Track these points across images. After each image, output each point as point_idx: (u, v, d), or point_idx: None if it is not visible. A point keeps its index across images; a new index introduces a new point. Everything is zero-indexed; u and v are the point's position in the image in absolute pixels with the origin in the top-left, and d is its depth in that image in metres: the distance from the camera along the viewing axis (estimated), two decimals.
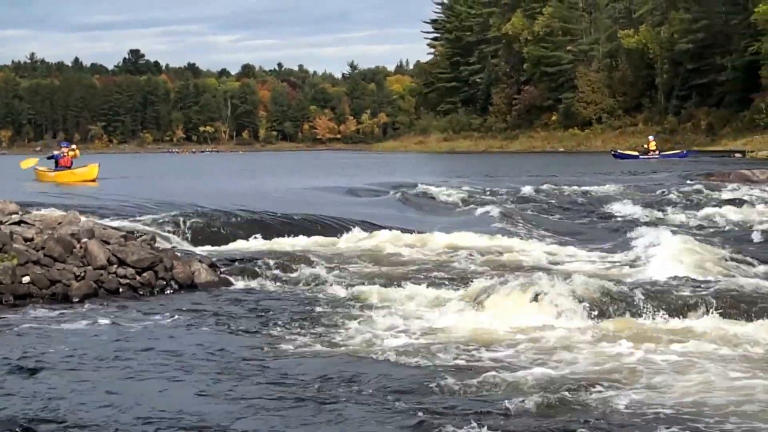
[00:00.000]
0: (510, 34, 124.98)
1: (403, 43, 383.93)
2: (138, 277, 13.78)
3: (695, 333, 10.59)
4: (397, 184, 32.87)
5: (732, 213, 23.67)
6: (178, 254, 15.07)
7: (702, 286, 12.35)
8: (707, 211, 24.42)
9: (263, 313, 12.02)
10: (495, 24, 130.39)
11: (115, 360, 9.59)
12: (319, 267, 15.21)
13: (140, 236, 15.30)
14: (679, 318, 11.20)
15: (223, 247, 17.97)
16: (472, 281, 13.44)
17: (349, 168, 62.97)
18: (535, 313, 11.43)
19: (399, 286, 13.48)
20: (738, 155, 65.13)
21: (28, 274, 13.15)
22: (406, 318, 11.44)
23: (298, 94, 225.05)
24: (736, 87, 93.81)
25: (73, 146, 43.16)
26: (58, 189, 33.39)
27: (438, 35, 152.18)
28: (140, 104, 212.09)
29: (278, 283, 14.35)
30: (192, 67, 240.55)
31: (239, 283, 14.38)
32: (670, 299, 11.74)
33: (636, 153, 68.16)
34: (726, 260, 16.15)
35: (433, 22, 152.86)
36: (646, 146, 67.87)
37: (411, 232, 19.19)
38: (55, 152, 41.73)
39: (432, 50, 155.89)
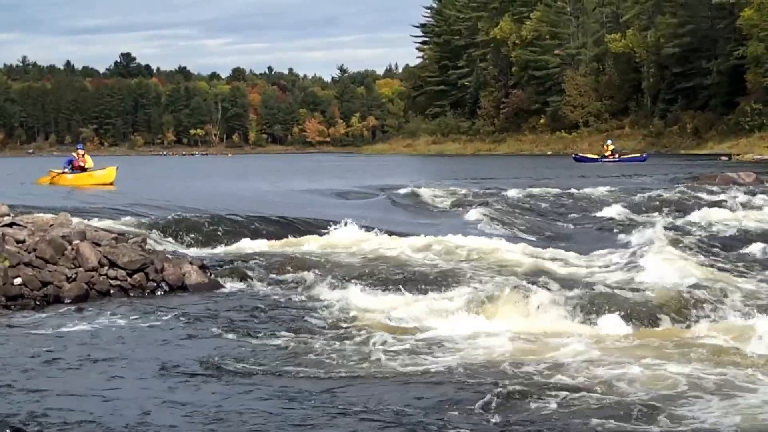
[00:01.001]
0: (498, 38, 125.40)
1: (392, 46, 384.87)
2: (129, 279, 13.81)
3: (678, 338, 10.70)
4: (386, 186, 32.79)
5: (718, 215, 23.69)
6: (169, 256, 15.06)
7: (690, 289, 12.45)
8: (693, 213, 24.41)
9: (253, 316, 12.04)
10: (483, 28, 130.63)
11: (106, 362, 9.62)
12: (309, 269, 15.19)
13: (131, 238, 15.30)
14: (654, 324, 11.27)
15: (213, 249, 17.97)
16: (463, 285, 13.54)
17: (338, 170, 62.81)
18: (528, 319, 11.47)
19: (388, 288, 13.53)
20: (724, 158, 65.31)
21: (19, 276, 13.14)
22: (396, 322, 11.47)
23: (288, 98, 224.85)
24: (721, 91, 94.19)
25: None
26: (75, 192, 32.62)
27: (427, 39, 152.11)
28: (131, 107, 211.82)
29: (268, 286, 14.36)
30: (183, 71, 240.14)
31: (229, 285, 14.38)
32: (659, 303, 11.84)
33: (595, 156, 68.88)
34: (712, 263, 16.28)
35: (422, 26, 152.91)
36: (605, 149, 68.54)
37: (399, 234, 19.19)
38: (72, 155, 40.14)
39: (421, 54, 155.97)
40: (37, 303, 12.97)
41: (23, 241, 13.88)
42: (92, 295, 13.45)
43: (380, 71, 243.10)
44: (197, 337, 10.87)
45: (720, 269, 15.58)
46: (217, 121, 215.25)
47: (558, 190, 30.87)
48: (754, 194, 28.90)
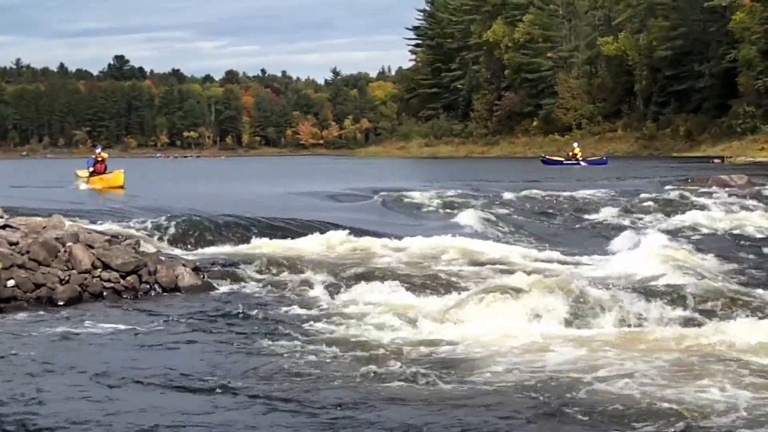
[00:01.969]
0: (491, 41, 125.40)
1: (386, 49, 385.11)
2: (122, 281, 13.80)
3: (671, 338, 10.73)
4: (379, 189, 32.72)
5: (710, 218, 23.75)
6: (162, 258, 15.07)
7: (682, 290, 12.51)
8: (686, 216, 24.46)
9: (246, 318, 12.03)
10: (476, 31, 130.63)
11: (98, 364, 9.60)
12: (301, 271, 15.20)
13: (124, 240, 15.31)
14: (646, 326, 11.31)
15: (206, 251, 17.95)
16: (458, 287, 13.61)
17: (331, 173, 62.72)
18: (521, 320, 11.48)
19: (381, 291, 13.52)
20: (717, 161, 65.40)
21: (12, 278, 13.16)
22: (389, 324, 11.49)
23: (281, 100, 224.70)
24: (713, 94, 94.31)
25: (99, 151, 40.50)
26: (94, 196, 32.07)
27: (420, 42, 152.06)
28: (125, 109, 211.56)
29: (261, 287, 14.35)
30: (176, 73, 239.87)
31: (223, 287, 14.39)
32: (650, 304, 11.91)
33: (561, 159, 69.71)
34: (704, 265, 16.32)
35: (415, 29, 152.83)
36: (571, 153, 69.18)
37: (393, 236, 19.19)
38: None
39: (414, 57, 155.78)
40: (31, 305, 12.93)
41: (16, 243, 13.87)
42: (85, 297, 13.44)
43: (373, 74, 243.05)
44: (189, 339, 10.85)
45: (712, 271, 15.61)
46: (211, 123, 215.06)
47: (551, 192, 30.78)
48: (746, 197, 28.92)
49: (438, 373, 9.24)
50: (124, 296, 13.67)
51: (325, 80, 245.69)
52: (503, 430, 7.52)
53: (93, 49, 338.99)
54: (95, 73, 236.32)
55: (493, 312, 11.63)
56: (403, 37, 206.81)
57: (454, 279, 14.96)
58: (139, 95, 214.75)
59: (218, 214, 21.27)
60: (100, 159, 38.32)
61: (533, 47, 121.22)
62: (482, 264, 16.59)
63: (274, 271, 15.40)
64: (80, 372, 9.31)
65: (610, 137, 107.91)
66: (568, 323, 11.40)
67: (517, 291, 11.98)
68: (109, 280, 13.79)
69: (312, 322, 11.67)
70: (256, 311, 12.44)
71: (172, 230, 19.30)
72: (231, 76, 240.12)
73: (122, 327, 11.44)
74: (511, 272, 14.84)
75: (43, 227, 14.90)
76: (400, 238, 19.00)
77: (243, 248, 18.12)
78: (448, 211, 26.77)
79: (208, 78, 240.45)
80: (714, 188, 31.86)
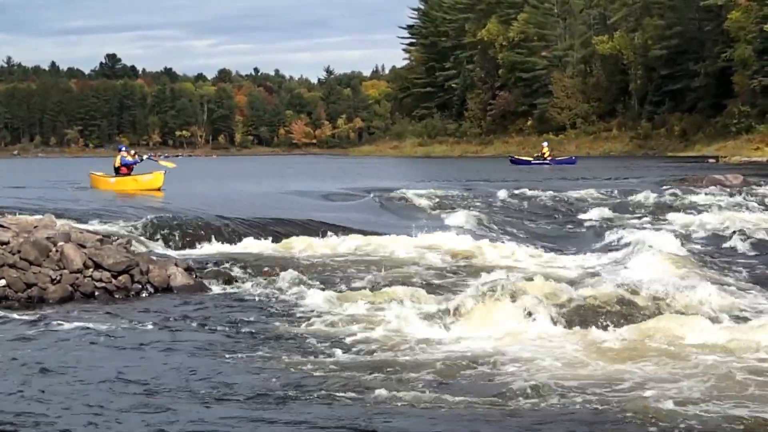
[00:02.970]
0: (485, 39, 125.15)
1: (379, 48, 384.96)
2: (114, 281, 13.73)
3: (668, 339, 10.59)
4: (373, 188, 32.76)
5: (705, 218, 23.73)
6: (154, 258, 15.02)
7: (677, 290, 12.40)
8: (680, 215, 24.47)
9: (238, 318, 11.96)
10: (470, 30, 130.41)
11: (88, 364, 9.55)
12: (295, 271, 15.12)
13: (116, 240, 15.22)
14: (641, 326, 11.16)
15: (199, 251, 17.93)
16: (450, 288, 13.63)
17: (325, 172, 62.70)
18: (519, 321, 11.41)
19: (375, 291, 13.45)
20: (712, 161, 65.47)
21: (3, 278, 13.12)
22: (383, 325, 11.40)
23: (274, 99, 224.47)
24: (709, 93, 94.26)
25: (132, 151, 37.55)
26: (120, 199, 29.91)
27: (413, 41, 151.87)
28: (117, 108, 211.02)
29: (254, 287, 14.30)
30: (168, 72, 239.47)
31: (215, 287, 14.35)
32: (643, 305, 11.82)
33: (530, 159, 69.89)
34: (699, 265, 16.28)
35: (409, 27, 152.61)
36: (540, 152, 69.47)
37: (386, 236, 19.19)
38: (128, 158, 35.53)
39: (407, 56, 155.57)
40: (22, 305, 12.89)
41: (7, 243, 13.79)
42: (77, 297, 13.39)
43: (367, 73, 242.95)
44: (181, 339, 10.78)
45: (707, 271, 15.60)
46: (203, 122, 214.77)
47: (546, 191, 30.79)
48: (741, 196, 28.89)
49: (434, 375, 9.17)
50: (116, 296, 13.60)
51: (319, 79, 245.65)
52: None
53: (85, 47, 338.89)
54: (87, 71, 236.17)
55: (490, 312, 11.55)
56: (396, 36, 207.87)
57: (448, 279, 14.98)
58: (131, 94, 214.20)
59: (211, 214, 21.27)
60: (128, 158, 35.43)
61: (528, 46, 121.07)
62: (477, 264, 16.60)
63: (268, 271, 15.34)
64: (70, 373, 9.23)
65: (605, 137, 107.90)
66: (565, 324, 11.30)
67: (515, 291, 11.89)
68: (100, 280, 13.71)
69: (306, 323, 11.60)
70: (249, 312, 12.40)
71: (164, 230, 19.25)
72: (224, 75, 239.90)
73: (113, 327, 11.34)
74: (506, 272, 14.68)
75: (35, 227, 14.79)
76: (394, 237, 18.99)
77: (236, 248, 18.11)
78: (442, 210, 26.81)
79: (200, 77, 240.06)
80: (709, 188, 31.82)
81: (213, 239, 18.94)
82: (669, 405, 7.97)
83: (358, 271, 15.55)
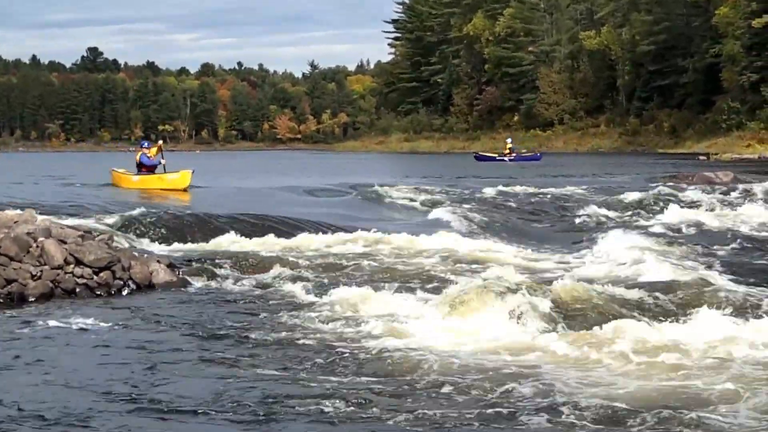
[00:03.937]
0: (471, 34, 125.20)
1: (364, 42, 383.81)
2: (95, 277, 13.63)
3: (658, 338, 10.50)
4: (357, 184, 32.85)
5: (695, 215, 23.66)
6: (136, 254, 14.93)
7: (666, 288, 12.46)
8: (670, 213, 24.38)
9: (220, 315, 11.91)
10: (456, 24, 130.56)
11: (66, 362, 9.49)
12: (277, 268, 15.15)
13: (98, 235, 15.14)
14: (630, 324, 11.02)
15: (182, 247, 17.82)
16: (436, 285, 13.48)
17: (309, 168, 63.05)
18: (502, 319, 11.26)
19: (359, 288, 13.38)
20: (702, 158, 65.61)
21: None
22: (364, 320, 11.34)
23: (258, 94, 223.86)
24: (697, 89, 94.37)
25: (160, 142, 35.71)
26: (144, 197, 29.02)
27: (399, 35, 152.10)
28: (98, 102, 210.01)
29: (236, 284, 14.27)
30: (151, 66, 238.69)
31: (198, 283, 14.29)
32: (632, 302, 11.77)
33: (495, 155, 70.69)
34: (689, 263, 16.24)
35: (394, 22, 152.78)
36: (503, 149, 69.98)
37: (370, 232, 19.06)
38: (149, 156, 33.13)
39: (393, 50, 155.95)
40: (1, 301, 12.82)
41: None
42: (57, 293, 13.30)
43: (352, 67, 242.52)
44: (163, 337, 10.68)
45: (696, 269, 15.48)
46: (186, 117, 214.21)
47: (533, 188, 30.80)
48: (731, 194, 28.79)
49: (414, 373, 9.11)
50: (97, 293, 13.50)
51: (303, 74, 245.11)
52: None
53: (66, 40, 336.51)
54: (68, 65, 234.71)
55: (474, 310, 11.46)
56: (382, 31, 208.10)
57: (431, 276, 14.89)
58: (113, 88, 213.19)
59: (193, 210, 21.30)
60: (149, 155, 33.02)
61: (514, 41, 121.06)
62: (460, 261, 16.50)
63: (251, 267, 15.33)
64: (47, 370, 9.16)
65: (593, 133, 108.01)
66: (550, 322, 11.18)
67: (498, 289, 11.80)
68: (81, 276, 13.60)
69: (288, 319, 11.53)
70: (231, 308, 12.39)
71: (146, 226, 19.14)
72: (207, 69, 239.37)
73: (93, 324, 11.23)
74: (491, 270, 14.69)
75: (15, 222, 14.68)
76: (377, 234, 18.88)
77: (219, 244, 17.98)
78: (426, 207, 26.77)
79: (183, 71, 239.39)
80: (699, 185, 31.73)
81: (197, 235, 18.79)
82: (659, 402, 7.89)
83: (341, 268, 15.48)
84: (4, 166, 70.27)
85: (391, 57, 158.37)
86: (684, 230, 21.48)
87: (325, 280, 14.33)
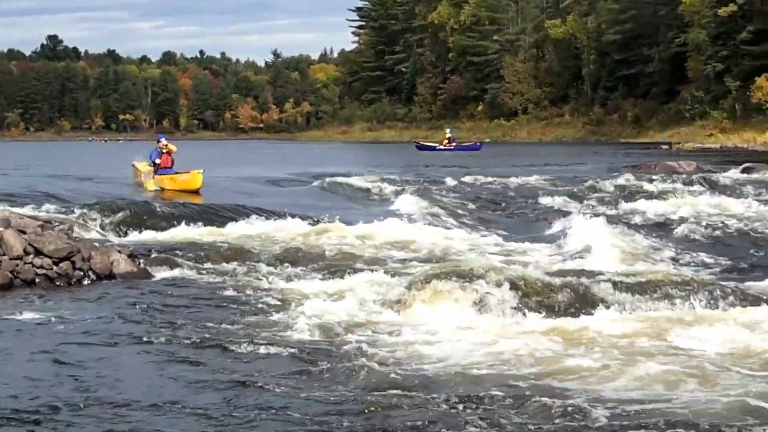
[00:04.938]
0: (436, 23, 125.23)
1: (328, 31, 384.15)
2: (55, 268, 13.52)
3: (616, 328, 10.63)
4: (319, 174, 32.96)
5: (657, 205, 23.74)
6: (97, 244, 14.79)
7: (628, 276, 12.42)
8: (632, 202, 24.47)
9: (182, 306, 11.88)
10: (421, 13, 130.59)
11: (24, 353, 9.42)
12: (239, 258, 15.13)
13: (58, 225, 15.01)
14: (590, 313, 11.21)
15: (143, 237, 17.73)
16: (397, 274, 13.42)
17: (272, 158, 63.02)
18: (464, 307, 11.33)
19: (321, 277, 13.46)
20: (665, 147, 66.02)
21: None
22: (329, 312, 11.27)
23: (220, 83, 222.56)
24: (663, 78, 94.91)
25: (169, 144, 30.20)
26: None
27: (363, 23, 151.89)
28: (58, 91, 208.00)
29: (198, 274, 14.21)
30: (112, 54, 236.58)
31: (159, 274, 14.21)
32: (597, 291, 11.77)
33: (435, 144, 71.64)
34: (649, 252, 16.37)
35: (359, 10, 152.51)
36: (443, 139, 71.21)
37: (331, 222, 19.05)
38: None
39: (357, 39, 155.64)
40: None
41: None
42: (17, 283, 13.18)
43: (315, 56, 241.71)
44: (122, 327, 10.59)
45: (657, 258, 15.69)
46: (147, 106, 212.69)
47: (495, 178, 30.95)
48: (693, 183, 28.95)
49: (378, 363, 9.07)
50: (57, 283, 13.39)
51: (266, 62, 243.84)
52: (443, 423, 7.35)
53: (25, 28, 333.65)
54: (28, 53, 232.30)
55: (436, 299, 11.49)
56: (346, 19, 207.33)
57: (392, 265, 14.82)
58: (73, 76, 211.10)
59: (155, 200, 21.13)
60: (165, 151, 29.30)
61: (479, 30, 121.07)
62: (423, 250, 16.55)
63: (212, 257, 15.23)
64: (5, 362, 9.12)
65: (557, 122, 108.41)
66: (512, 311, 11.26)
67: (461, 277, 11.79)
68: (41, 267, 13.49)
69: (249, 310, 11.53)
70: (193, 299, 12.34)
71: (106, 216, 19.02)
72: (168, 58, 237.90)
73: (52, 315, 11.12)
74: (452, 258, 14.86)
75: None
76: (339, 223, 18.86)
77: (181, 234, 17.89)
78: (388, 196, 26.90)
79: (144, 59, 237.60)
80: (662, 175, 31.87)
81: (158, 225, 18.69)
82: (621, 393, 7.97)
83: (303, 258, 15.42)
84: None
85: (354, 46, 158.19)
86: (645, 219, 21.54)
87: (288, 269, 14.32)
